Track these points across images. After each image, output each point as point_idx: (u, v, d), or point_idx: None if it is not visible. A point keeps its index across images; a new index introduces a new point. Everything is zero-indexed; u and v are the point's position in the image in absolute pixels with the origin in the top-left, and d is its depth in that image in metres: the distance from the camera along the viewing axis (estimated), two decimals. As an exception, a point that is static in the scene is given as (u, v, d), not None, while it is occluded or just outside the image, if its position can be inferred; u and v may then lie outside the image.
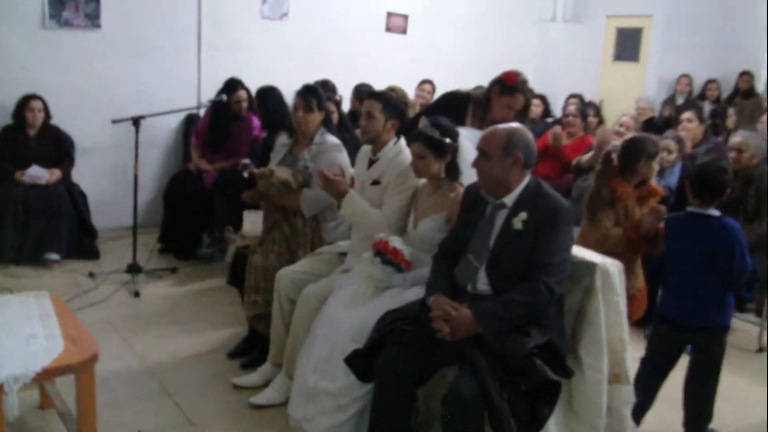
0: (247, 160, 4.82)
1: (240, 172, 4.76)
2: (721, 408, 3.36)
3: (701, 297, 3.11)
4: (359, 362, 2.79)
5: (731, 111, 7.05)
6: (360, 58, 7.34)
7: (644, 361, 3.30)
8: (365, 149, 3.60)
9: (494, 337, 2.55)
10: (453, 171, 3.17)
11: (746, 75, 8.93)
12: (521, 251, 2.67)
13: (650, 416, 3.29)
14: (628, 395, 2.81)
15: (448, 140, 3.11)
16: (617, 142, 5.15)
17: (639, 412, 3.20)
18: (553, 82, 8.56)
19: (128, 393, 3.42)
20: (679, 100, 8.66)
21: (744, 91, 8.95)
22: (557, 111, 8.14)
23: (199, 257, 5.52)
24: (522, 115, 3.78)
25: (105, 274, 4.97)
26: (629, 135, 5.30)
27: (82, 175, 5.71)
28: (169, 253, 5.57)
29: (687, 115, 5.50)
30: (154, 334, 4.14)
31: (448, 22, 8.16)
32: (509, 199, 2.74)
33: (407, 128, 3.52)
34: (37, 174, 5.28)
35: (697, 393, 3.22)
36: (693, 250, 3.11)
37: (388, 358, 2.70)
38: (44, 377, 2.54)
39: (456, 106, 3.81)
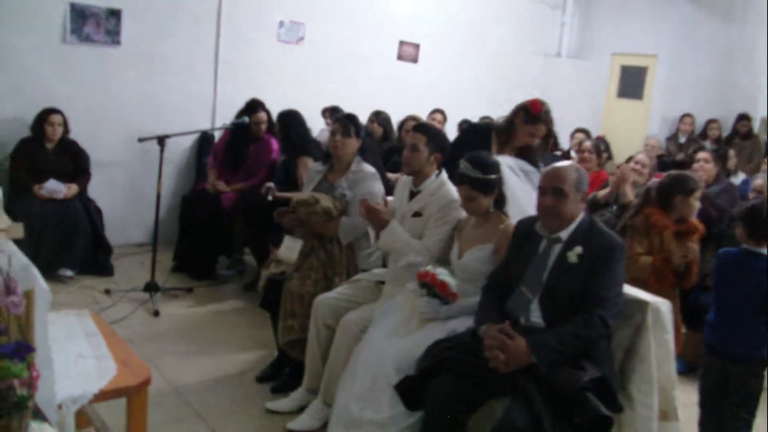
0: (271, 184, 4.86)
1: (263, 195, 4.80)
2: None
3: (740, 328, 3.22)
4: (408, 389, 2.79)
5: (732, 153, 7.17)
6: (372, 85, 7.41)
7: (701, 395, 3.42)
8: (405, 180, 3.63)
9: (548, 369, 2.57)
10: (500, 201, 3.21)
11: (745, 120, 9.12)
12: (575, 285, 2.70)
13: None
14: (676, 431, 2.83)
15: (492, 177, 3.14)
16: (636, 178, 5.26)
17: None
18: (557, 116, 8.64)
19: (162, 416, 3.38)
20: (682, 139, 8.82)
21: (743, 132, 9.14)
22: (563, 144, 8.25)
23: (216, 278, 5.49)
24: (544, 143, 3.87)
25: (122, 292, 4.92)
26: (646, 171, 5.43)
27: (96, 190, 5.67)
28: (183, 272, 5.53)
29: (703, 155, 5.58)
30: (177, 354, 4.11)
31: (458, 53, 8.28)
32: (565, 234, 2.78)
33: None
34: (55, 188, 5.23)
35: (730, 426, 3.29)
36: (743, 286, 3.22)
37: (438, 385, 2.71)
38: (99, 399, 2.50)
39: (480, 139, 3.86)
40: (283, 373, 3.80)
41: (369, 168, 3.86)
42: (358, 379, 3.00)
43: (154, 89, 6.18)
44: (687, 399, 3.59)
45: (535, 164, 3.78)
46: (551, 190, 2.77)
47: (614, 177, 5.31)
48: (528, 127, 3.76)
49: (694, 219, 3.80)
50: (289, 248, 3.91)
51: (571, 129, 8.02)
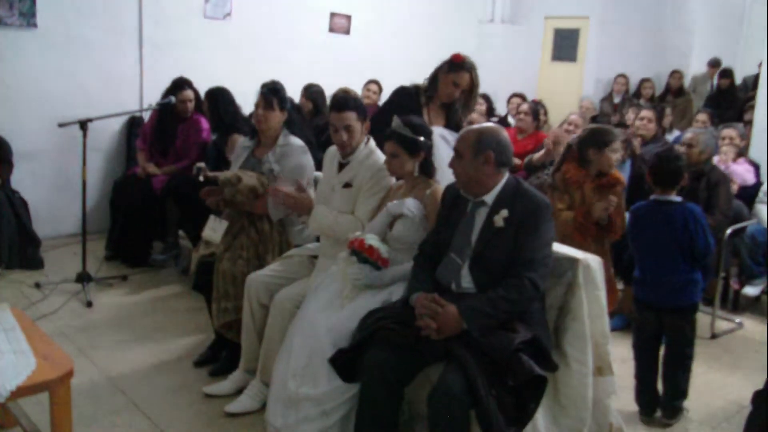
0: (201, 164, 4.70)
1: (194, 176, 4.66)
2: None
3: (671, 279, 3.30)
4: (344, 362, 2.75)
5: (667, 110, 7.28)
6: (304, 58, 7.27)
7: (635, 349, 3.49)
8: (332, 151, 3.55)
9: (481, 334, 2.55)
10: (427, 169, 3.17)
11: (677, 73, 9.31)
12: (503, 248, 2.69)
13: (628, 397, 3.45)
14: (611, 386, 2.85)
15: (421, 138, 3.11)
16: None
17: (644, 397, 3.44)
18: (494, 82, 8.67)
19: (95, 408, 3.27)
20: (616, 99, 8.93)
21: (675, 89, 9.31)
22: (500, 110, 8.27)
23: (151, 264, 5.35)
24: (468, 95, 3.88)
25: (53, 285, 4.76)
26: (579, 131, 5.46)
27: (20, 181, 5.45)
28: (118, 261, 5.38)
29: (646, 114, 5.67)
30: (112, 345, 3.98)
31: (390, 23, 8.18)
32: (489, 198, 2.76)
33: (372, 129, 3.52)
34: (-26, 181, 5.01)
35: (673, 372, 3.39)
36: (661, 235, 3.30)
37: (374, 357, 2.67)
38: (18, 396, 2.39)
39: (408, 100, 3.86)
40: (221, 356, 3.71)
41: (297, 141, 3.77)
42: (293, 355, 2.94)
43: (76, 72, 5.94)
44: (626, 353, 3.64)
45: (458, 123, 3.77)
46: (454, 152, 2.79)
47: (547, 140, 5.33)
48: (451, 75, 3.78)
49: (616, 172, 3.84)
50: (214, 228, 3.80)
51: (508, 94, 8.03)
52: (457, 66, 3.78)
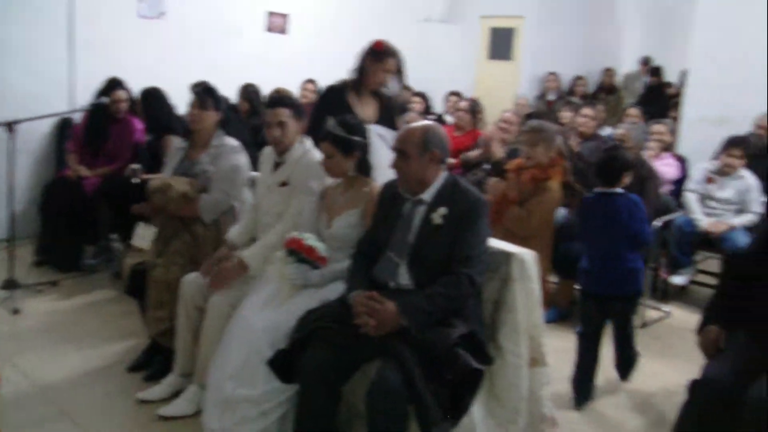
0: (136, 165, 4.63)
1: (128, 178, 4.57)
2: (619, 383, 3.73)
3: (617, 268, 3.48)
4: (281, 363, 2.73)
5: (600, 107, 7.45)
6: (241, 58, 7.20)
7: (579, 338, 3.61)
8: (268, 151, 3.52)
9: (419, 330, 2.56)
10: (364, 167, 3.17)
11: (609, 71, 9.56)
12: (441, 245, 2.70)
13: (561, 387, 3.54)
14: (545, 377, 2.91)
15: (356, 138, 3.11)
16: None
17: (582, 385, 3.57)
18: (431, 80, 8.75)
19: (24, 419, 3.16)
20: (550, 97, 9.10)
21: (607, 86, 9.55)
22: (437, 108, 8.34)
23: (83, 269, 5.21)
24: (399, 77, 3.98)
25: (-22, 293, 4.59)
26: (513, 129, 5.56)
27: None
28: (47, 266, 5.22)
29: (588, 112, 5.80)
30: (42, 352, 3.86)
31: (329, 22, 8.17)
32: (427, 195, 2.77)
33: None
34: None
35: (623, 346, 3.68)
36: (607, 225, 3.46)
37: (311, 357, 2.66)
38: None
39: (338, 98, 3.90)
40: (155, 360, 3.63)
41: (231, 142, 3.73)
42: (230, 357, 2.91)
43: (3, 72, 5.74)
44: (559, 345, 3.71)
45: (402, 106, 3.86)
46: (397, 152, 2.77)
47: (482, 138, 5.42)
48: (378, 65, 3.87)
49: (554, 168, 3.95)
50: (142, 236, 3.71)
51: (445, 92, 8.10)
52: (382, 54, 3.86)
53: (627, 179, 3.51)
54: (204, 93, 3.68)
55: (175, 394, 3.32)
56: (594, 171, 3.60)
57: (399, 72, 3.95)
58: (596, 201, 3.56)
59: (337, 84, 3.99)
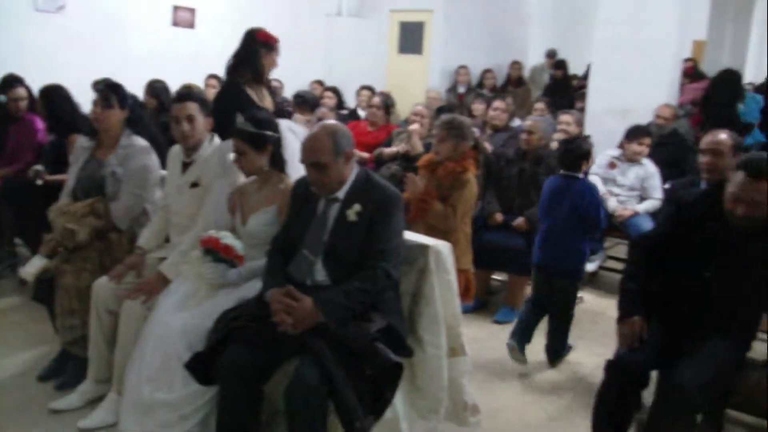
0: (39, 167, 4.45)
1: (31, 180, 4.39)
2: (537, 367, 3.86)
3: (564, 245, 3.83)
4: (200, 366, 2.68)
5: (509, 100, 7.63)
6: (147, 53, 7.01)
7: (528, 303, 3.96)
8: (176, 150, 3.45)
9: (337, 326, 2.57)
10: (278, 163, 3.14)
11: (516, 64, 9.80)
12: (357, 242, 2.71)
13: (481, 375, 3.65)
14: (465, 366, 2.96)
15: (267, 132, 3.07)
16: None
17: (521, 337, 3.84)
18: (342, 75, 8.75)
19: (-75, 435, 3.01)
20: (461, 89, 9.25)
21: (515, 79, 9.79)
22: (350, 102, 8.34)
23: (-16, 276, 4.97)
24: None
25: None
26: (426, 121, 5.62)
27: None
28: (-54, 275, 4.96)
29: (499, 104, 5.92)
30: (-57, 365, 3.67)
31: (237, 16, 8.02)
32: (341, 193, 2.77)
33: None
34: None
35: (556, 328, 3.96)
36: (566, 204, 3.83)
37: (230, 357, 2.62)
38: None
39: (237, 92, 3.92)
40: (68, 367, 3.50)
41: (140, 141, 3.62)
42: (147, 360, 2.84)
43: None
44: (478, 334, 3.80)
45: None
46: (311, 166, 2.72)
47: (406, 133, 5.48)
48: (273, 54, 4.08)
49: (469, 163, 4.04)
50: (30, 268, 3.49)
51: (357, 87, 8.11)
52: (275, 44, 4.06)
53: (585, 166, 3.93)
54: (107, 90, 3.56)
55: (91, 402, 3.22)
56: (558, 161, 3.98)
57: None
58: (561, 182, 3.91)
59: (226, 79, 4.00)
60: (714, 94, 6.63)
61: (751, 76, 10.05)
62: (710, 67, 8.27)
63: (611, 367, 2.75)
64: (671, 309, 2.86)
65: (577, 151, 3.88)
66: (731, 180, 2.70)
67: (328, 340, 2.53)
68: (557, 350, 3.98)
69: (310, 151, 2.72)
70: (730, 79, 6.66)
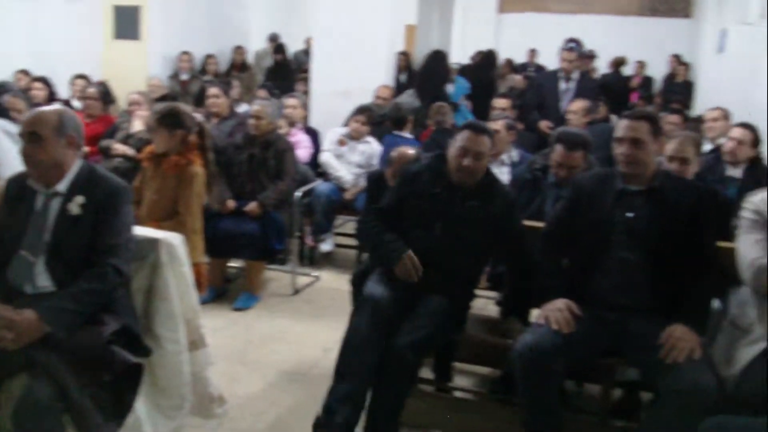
0: None
1: None
2: (280, 350, 3.88)
3: None
4: None
5: (235, 83, 7.60)
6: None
7: None
8: None
9: (67, 334, 2.40)
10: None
11: (239, 49, 9.84)
12: (82, 238, 2.56)
13: (223, 365, 3.52)
14: (207, 358, 2.93)
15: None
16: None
17: None
18: (52, 64, 8.07)
19: None
20: (183, 76, 9.02)
21: (239, 64, 9.82)
22: (62, 93, 7.73)
23: None
24: None
25: None
26: (145, 106, 5.40)
27: None
28: None
29: (213, 91, 5.82)
30: None
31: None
32: (63, 186, 2.59)
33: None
34: None
35: None
36: None
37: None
38: None
39: None
40: None
41: None
42: None
43: None
44: (218, 324, 3.77)
45: None
46: (27, 136, 2.55)
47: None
48: None
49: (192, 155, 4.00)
50: None
51: (69, 76, 7.54)
52: None
53: None
54: None
55: None
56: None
57: None
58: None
59: None
60: (426, 73, 7.25)
61: (457, 57, 11.00)
62: (421, 49, 8.91)
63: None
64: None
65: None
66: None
67: (58, 350, 2.36)
68: None
69: (29, 121, 2.58)
70: (438, 57, 7.36)
